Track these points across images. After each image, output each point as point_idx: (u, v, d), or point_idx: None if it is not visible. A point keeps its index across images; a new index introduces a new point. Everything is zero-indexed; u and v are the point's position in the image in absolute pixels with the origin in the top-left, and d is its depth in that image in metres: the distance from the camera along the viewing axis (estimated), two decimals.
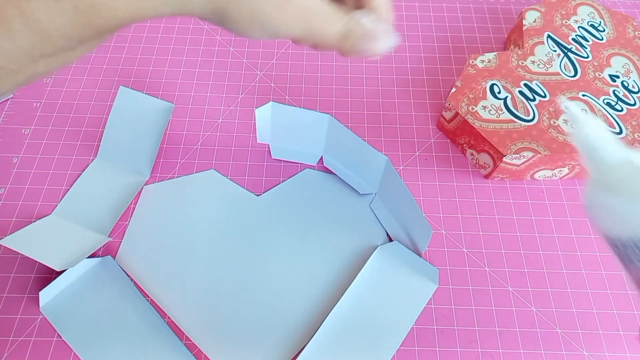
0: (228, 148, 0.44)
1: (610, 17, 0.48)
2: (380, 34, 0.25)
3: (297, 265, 0.38)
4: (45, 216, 0.40)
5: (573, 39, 0.46)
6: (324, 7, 0.24)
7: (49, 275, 0.37)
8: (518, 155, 0.39)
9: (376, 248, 0.38)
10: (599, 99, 0.43)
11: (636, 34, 0.47)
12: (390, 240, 0.39)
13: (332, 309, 0.36)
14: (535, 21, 0.48)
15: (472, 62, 0.45)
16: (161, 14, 0.21)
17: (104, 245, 0.39)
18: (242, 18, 0.22)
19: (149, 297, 0.37)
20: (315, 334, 0.35)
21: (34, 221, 0.39)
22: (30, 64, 0.20)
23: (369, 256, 0.38)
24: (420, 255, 0.38)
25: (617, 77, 0.44)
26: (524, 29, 0.47)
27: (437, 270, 0.38)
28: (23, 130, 0.45)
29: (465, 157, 0.44)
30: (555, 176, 0.43)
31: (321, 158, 0.43)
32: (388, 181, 0.36)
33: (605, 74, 0.44)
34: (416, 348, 0.35)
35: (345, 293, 0.36)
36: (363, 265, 0.37)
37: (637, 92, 0.43)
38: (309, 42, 0.24)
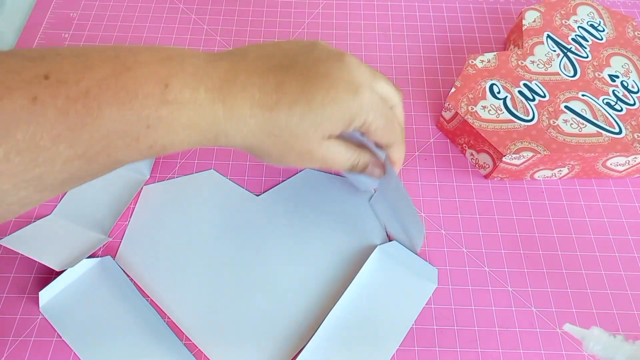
0: (228, 148, 0.44)
1: (609, 17, 0.48)
2: (375, 172, 0.34)
3: (297, 265, 0.38)
4: (45, 216, 0.40)
5: (573, 39, 0.46)
6: (340, 148, 0.30)
7: (48, 275, 0.37)
8: (517, 155, 0.39)
9: (375, 248, 0.38)
10: (598, 99, 0.43)
11: (636, 34, 0.47)
12: (390, 239, 0.39)
13: (332, 309, 0.36)
14: (534, 21, 0.48)
15: (472, 62, 0.45)
16: (212, 144, 0.27)
17: (103, 245, 0.39)
18: (271, 161, 0.30)
19: (148, 297, 0.37)
20: (315, 334, 0.35)
21: (33, 221, 0.39)
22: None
23: (369, 256, 0.38)
24: (416, 254, 0.38)
25: (617, 77, 0.44)
26: (523, 29, 0.47)
27: (436, 270, 0.38)
28: None
29: (465, 157, 0.44)
30: (555, 176, 0.43)
31: None
32: (385, 177, 0.36)
33: (604, 74, 0.44)
34: (416, 348, 0.35)
35: (345, 293, 0.36)
36: (363, 265, 0.37)
37: (636, 92, 0.43)
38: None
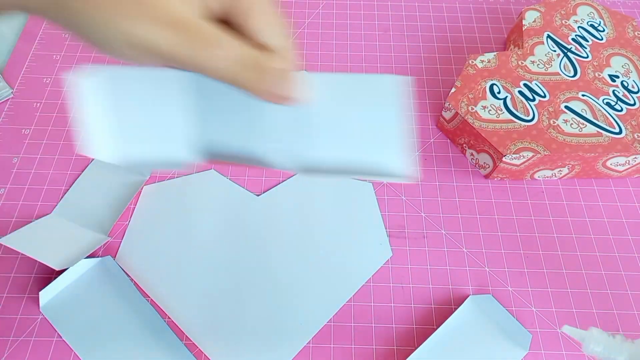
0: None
1: (609, 17, 0.48)
2: (292, 76, 0.20)
3: (297, 265, 0.38)
4: (45, 215, 0.40)
5: (573, 39, 0.46)
6: (206, 24, 0.19)
7: (49, 275, 0.37)
8: (518, 155, 0.39)
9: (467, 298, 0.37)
10: (598, 99, 0.43)
11: (636, 34, 0.47)
12: (389, 235, 0.39)
13: (332, 309, 0.36)
14: (534, 21, 0.48)
15: (472, 62, 0.45)
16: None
17: (104, 245, 0.39)
18: (84, 8, 0.18)
19: (149, 297, 0.37)
20: None
21: (33, 220, 0.39)
22: None
23: (369, 255, 0.38)
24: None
25: (617, 77, 0.44)
26: (523, 29, 0.47)
27: (530, 337, 0.35)
28: (23, 130, 0.45)
29: (465, 157, 0.44)
30: (555, 176, 0.43)
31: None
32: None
33: (604, 74, 0.44)
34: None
35: (430, 338, 0.35)
36: (362, 265, 0.37)
37: (636, 92, 0.43)
38: (185, 63, 0.19)
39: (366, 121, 0.23)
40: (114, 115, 0.23)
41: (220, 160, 0.25)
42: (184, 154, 0.24)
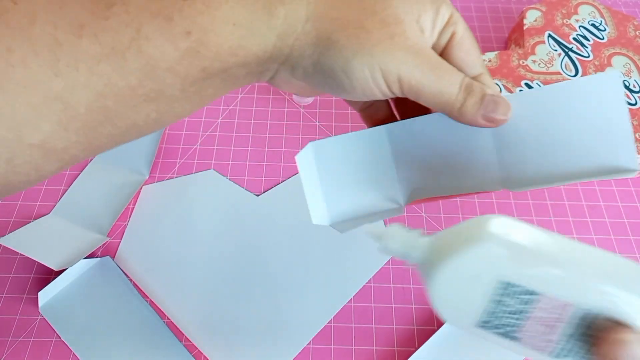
0: (227, 148, 0.44)
1: (611, 16, 0.48)
2: (501, 100, 0.23)
3: (297, 265, 0.38)
4: (44, 215, 0.40)
5: (574, 39, 0.46)
6: (439, 57, 0.22)
7: (48, 275, 0.37)
8: None
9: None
10: None
11: (637, 33, 0.47)
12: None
13: (332, 309, 0.35)
14: (536, 20, 0.48)
15: None
16: (265, 44, 0.20)
17: (103, 246, 0.39)
18: (348, 44, 0.20)
19: (148, 297, 0.37)
20: None
21: (32, 220, 0.39)
22: (133, 107, 0.19)
23: (369, 255, 0.38)
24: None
25: None
26: (524, 28, 0.47)
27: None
28: None
29: None
30: None
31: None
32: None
33: None
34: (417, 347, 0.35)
35: (430, 339, 0.35)
36: (363, 265, 0.37)
37: (638, 92, 0.43)
38: (422, 95, 0.22)
39: (578, 124, 0.23)
40: (328, 181, 0.26)
41: (423, 197, 0.26)
42: (396, 198, 0.26)
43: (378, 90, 0.22)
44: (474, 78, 0.23)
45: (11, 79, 0.16)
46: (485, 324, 0.18)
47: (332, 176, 0.26)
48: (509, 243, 0.17)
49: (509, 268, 0.17)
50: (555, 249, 0.17)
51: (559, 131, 0.23)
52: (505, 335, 0.18)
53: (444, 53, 0.23)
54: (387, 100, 0.27)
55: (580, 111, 0.23)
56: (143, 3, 0.18)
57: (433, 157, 0.26)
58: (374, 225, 0.22)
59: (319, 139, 0.25)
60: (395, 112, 0.28)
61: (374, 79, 0.21)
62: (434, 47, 0.23)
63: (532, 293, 0.17)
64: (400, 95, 0.22)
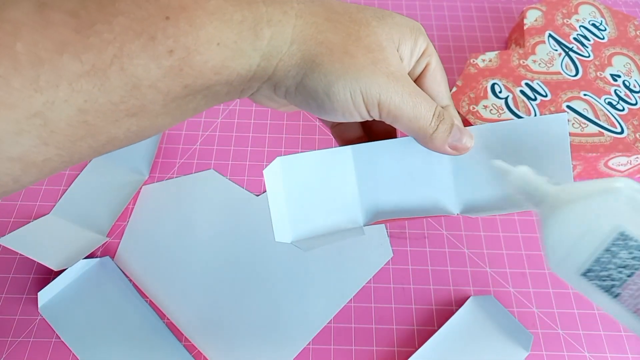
0: (227, 148, 0.44)
1: (611, 16, 0.48)
2: (466, 130, 0.25)
3: (297, 265, 0.38)
4: (44, 216, 0.40)
5: (574, 38, 0.46)
6: (415, 85, 0.23)
7: (47, 275, 0.37)
8: None
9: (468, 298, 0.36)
10: (600, 99, 0.42)
11: (637, 33, 0.47)
12: (390, 236, 0.39)
13: (332, 310, 0.35)
14: (536, 20, 0.47)
15: (473, 61, 0.44)
16: (249, 64, 0.21)
17: (102, 246, 0.39)
18: (332, 68, 0.21)
19: (147, 297, 0.37)
20: None
21: (32, 221, 0.39)
22: (114, 122, 0.19)
23: (369, 256, 0.38)
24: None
25: (619, 76, 0.44)
26: (525, 28, 0.47)
27: (532, 337, 0.35)
28: None
29: None
30: None
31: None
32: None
33: (606, 74, 0.44)
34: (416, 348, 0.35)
35: (431, 339, 0.35)
36: (363, 265, 0.37)
37: (638, 92, 0.43)
38: (399, 119, 0.23)
39: (527, 156, 0.26)
40: (293, 198, 0.26)
41: (387, 218, 0.27)
42: (357, 219, 0.27)
43: (357, 113, 0.23)
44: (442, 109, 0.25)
45: None
46: (589, 273, 0.19)
47: (298, 193, 0.26)
48: (634, 198, 0.18)
49: (629, 219, 0.18)
50: None
51: (509, 162, 0.25)
52: (606, 289, 0.19)
53: (417, 81, 0.25)
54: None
55: (529, 146, 0.26)
56: (127, 23, 0.18)
57: (394, 180, 0.27)
58: (505, 165, 0.23)
59: (295, 152, 0.25)
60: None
61: (355, 102, 0.22)
62: (410, 75, 0.24)
63: None
64: (377, 119, 0.23)
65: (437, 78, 0.25)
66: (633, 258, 0.18)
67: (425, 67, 0.24)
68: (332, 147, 0.26)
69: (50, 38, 0.17)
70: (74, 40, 0.17)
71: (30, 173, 0.19)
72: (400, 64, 0.23)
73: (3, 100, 0.16)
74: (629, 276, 0.18)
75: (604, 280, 0.19)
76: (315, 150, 0.26)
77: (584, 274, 0.19)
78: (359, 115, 0.23)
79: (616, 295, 0.19)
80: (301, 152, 0.26)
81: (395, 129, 0.29)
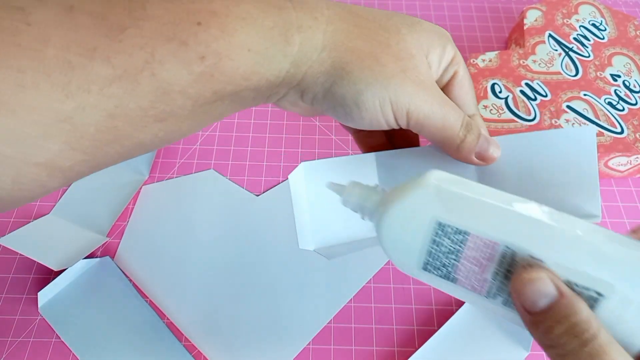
0: (227, 148, 0.44)
1: (611, 16, 0.48)
2: (493, 140, 0.25)
3: (297, 265, 0.38)
4: (44, 216, 0.40)
5: (574, 38, 0.46)
6: (444, 94, 0.23)
7: (47, 275, 0.37)
8: None
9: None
10: (600, 99, 0.42)
11: (637, 33, 0.47)
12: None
13: (332, 310, 0.35)
14: (536, 20, 0.47)
15: (473, 61, 0.44)
16: (278, 70, 0.20)
17: (102, 246, 0.39)
18: (362, 76, 0.21)
19: (147, 297, 0.37)
20: None
21: (32, 220, 0.39)
22: (142, 128, 0.19)
23: (369, 256, 0.38)
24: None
25: (619, 76, 0.44)
26: (525, 28, 0.47)
27: (531, 337, 0.35)
28: None
29: None
30: None
31: None
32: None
33: (606, 74, 0.44)
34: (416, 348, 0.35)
35: (431, 339, 0.34)
36: (363, 265, 0.37)
37: (638, 92, 0.43)
38: (427, 128, 0.23)
39: (553, 168, 0.26)
40: (315, 204, 0.26)
41: None
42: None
43: (385, 121, 0.22)
44: (469, 117, 0.25)
45: (21, 100, 0.16)
46: (427, 266, 0.20)
47: (320, 200, 0.26)
48: (441, 188, 0.19)
49: (440, 209, 0.19)
50: (480, 193, 0.19)
51: (536, 174, 0.26)
52: (445, 277, 0.20)
53: (444, 89, 0.24)
54: None
55: (556, 158, 0.26)
56: (157, 27, 0.18)
57: None
58: (337, 185, 0.23)
59: (311, 157, 0.25)
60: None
61: (384, 111, 0.22)
62: (437, 83, 0.24)
63: (462, 233, 0.19)
64: (404, 127, 0.23)
65: (464, 86, 0.25)
66: (454, 243, 0.19)
67: (453, 75, 0.24)
68: (356, 154, 0.26)
69: (81, 42, 0.17)
70: (105, 44, 0.17)
71: (56, 178, 0.19)
72: (429, 72, 0.23)
73: (32, 105, 0.16)
74: (457, 260, 0.19)
75: (440, 270, 0.20)
76: (339, 157, 0.26)
77: (424, 269, 0.20)
78: (386, 123, 0.23)
79: (455, 280, 0.20)
80: (324, 158, 0.26)
81: (418, 136, 0.29)
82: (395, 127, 0.23)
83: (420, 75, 0.22)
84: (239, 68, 0.19)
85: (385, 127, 0.23)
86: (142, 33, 0.18)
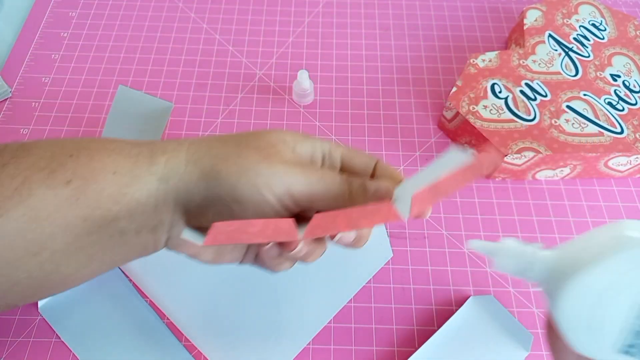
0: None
1: (611, 16, 0.48)
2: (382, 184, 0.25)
3: (297, 265, 0.38)
4: None
5: (574, 38, 0.46)
6: (311, 164, 0.24)
7: None
8: (519, 155, 0.39)
9: (469, 298, 0.38)
10: (600, 99, 0.42)
11: (637, 33, 0.47)
12: (390, 236, 0.39)
13: (332, 310, 0.35)
14: (536, 20, 0.47)
15: (473, 61, 0.44)
16: (147, 189, 0.22)
17: None
18: (231, 171, 0.22)
19: (147, 297, 0.37)
20: None
21: None
22: (13, 262, 0.20)
23: (369, 256, 0.38)
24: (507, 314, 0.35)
25: (619, 76, 0.44)
26: (525, 28, 0.47)
27: (531, 337, 0.35)
28: (22, 130, 0.45)
29: None
30: (557, 176, 0.43)
31: None
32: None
33: (606, 74, 0.44)
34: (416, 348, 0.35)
35: (431, 339, 0.35)
36: (363, 265, 0.37)
37: (638, 92, 0.43)
38: (314, 197, 0.23)
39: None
40: None
41: None
42: None
43: (269, 207, 0.22)
44: (375, 167, 0.26)
45: None
46: (631, 349, 0.16)
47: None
48: None
49: None
50: None
51: None
52: None
53: (341, 171, 0.26)
54: None
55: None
56: (35, 161, 0.20)
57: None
58: (487, 244, 0.20)
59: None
60: None
61: (264, 196, 0.22)
62: (332, 170, 0.25)
63: None
64: (293, 207, 0.23)
65: (352, 159, 0.26)
66: None
67: (341, 157, 0.26)
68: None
69: None
70: None
71: None
72: (296, 155, 0.24)
73: None
74: None
75: None
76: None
77: (624, 351, 0.16)
78: (272, 210, 0.22)
79: None
80: None
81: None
82: (283, 210, 0.23)
83: (284, 156, 0.23)
84: (104, 190, 0.21)
85: (274, 215, 0.23)
86: (18, 166, 0.20)
